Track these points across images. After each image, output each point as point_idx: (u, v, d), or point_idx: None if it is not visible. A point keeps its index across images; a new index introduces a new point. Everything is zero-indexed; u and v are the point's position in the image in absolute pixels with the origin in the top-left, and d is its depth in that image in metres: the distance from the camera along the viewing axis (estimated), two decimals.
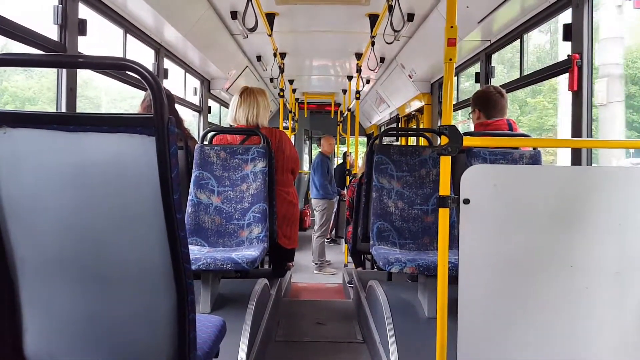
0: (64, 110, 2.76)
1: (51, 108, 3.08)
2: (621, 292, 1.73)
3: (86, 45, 2.94)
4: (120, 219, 1.23)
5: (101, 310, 1.29)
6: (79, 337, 1.32)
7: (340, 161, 10.36)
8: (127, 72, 1.15)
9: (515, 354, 1.75)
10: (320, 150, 7.46)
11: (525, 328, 1.74)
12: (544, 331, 1.74)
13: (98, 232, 1.24)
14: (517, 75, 3.83)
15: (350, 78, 7.63)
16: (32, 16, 2.56)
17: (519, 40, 3.82)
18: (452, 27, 1.88)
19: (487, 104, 3.15)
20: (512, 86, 3.81)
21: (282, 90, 6.65)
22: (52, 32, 2.72)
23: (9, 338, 1.33)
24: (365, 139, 11.65)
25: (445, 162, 1.87)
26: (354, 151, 7.21)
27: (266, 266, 4.48)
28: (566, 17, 2.99)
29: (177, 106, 3.60)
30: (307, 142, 12.55)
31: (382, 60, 6.13)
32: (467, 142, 1.85)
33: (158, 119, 1.14)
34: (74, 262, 1.26)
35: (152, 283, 1.27)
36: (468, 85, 5.44)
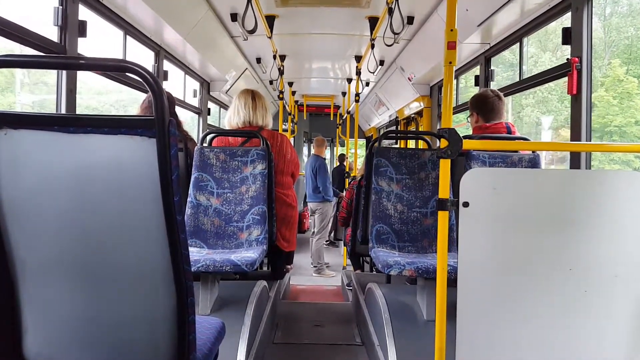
0: (63, 111, 2.76)
1: None
2: (620, 295, 1.73)
3: (86, 47, 2.95)
4: (120, 221, 1.23)
5: (101, 312, 1.29)
6: (78, 339, 1.32)
7: (337, 163, 10.38)
8: (128, 74, 1.15)
9: (514, 357, 1.75)
10: (314, 152, 7.37)
11: (524, 331, 1.74)
12: (543, 335, 1.74)
13: (98, 234, 1.24)
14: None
15: (349, 80, 7.64)
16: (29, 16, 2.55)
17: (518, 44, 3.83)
18: (452, 30, 1.89)
19: (485, 107, 3.15)
20: (512, 89, 3.82)
21: (281, 92, 6.65)
22: (52, 33, 2.73)
23: (8, 339, 1.33)
24: (364, 141, 11.66)
25: (445, 165, 1.88)
26: (354, 154, 7.21)
27: (265, 268, 4.48)
28: (566, 21, 3.01)
29: (176, 108, 3.60)
30: (306, 144, 12.57)
31: (382, 62, 6.14)
32: (467, 145, 1.86)
33: (159, 121, 1.14)
34: (74, 264, 1.26)
35: (152, 285, 1.27)
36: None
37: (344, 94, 8.68)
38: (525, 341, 1.74)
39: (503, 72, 5.72)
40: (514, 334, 1.74)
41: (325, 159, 7.37)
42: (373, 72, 5.76)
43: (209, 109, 6.01)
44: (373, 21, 4.65)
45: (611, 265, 1.73)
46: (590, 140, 2.81)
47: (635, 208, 1.73)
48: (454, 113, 4.57)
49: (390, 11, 3.80)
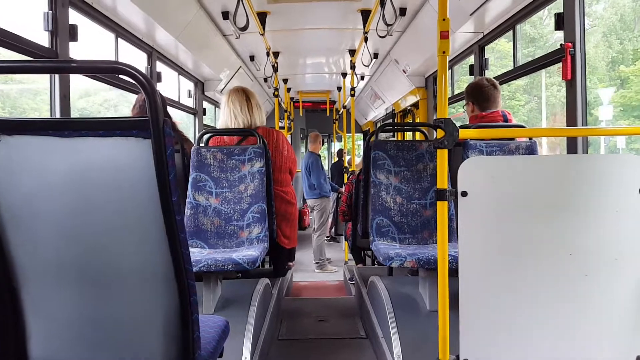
0: (58, 116, 2.75)
1: None
2: (620, 278, 1.74)
3: (77, 51, 2.93)
4: (119, 222, 1.23)
5: (104, 314, 1.29)
6: (83, 341, 1.32)
7: (336, 159, 10.37)
8: (121, 75, 1.15)
9: (517, 343, 1.76)
10: (309, 149, 7.36)
11: (526, 317, 1.75)
12: (545, 320, 1.75)
13: (98, 236, 1.24)
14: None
15: (344, 75, 7.62)
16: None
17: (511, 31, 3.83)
18: (444, 19, 1.88)
19: (480, 96, 3.16)
20: (506, 77, 3.82)
21: (276, 89, 6.64)
22: (43, 38, 2.71)
23: (13, 345, 1.33)
24: (361, 135, 11.65)
25: (442, 155, 1.88)
26: (351, 148, 7.20)
27: (267, 266, 4.48)
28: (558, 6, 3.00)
29: (170, 109, 3.59)
30: (303, 141, 12.55)
31: (376, 56, 6.13)
32: (463, 134, 1.86)
33: (153, 122, 1.14)
34: (75, 267, 1.26)
35: (154, 285, 1.27)
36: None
37: (339, 88, 8.67)
38: (527, 327, 1.75)
39: (523, 49, 5.60)
40: (516, 321, 1.75)
41: (319, 155, 7.35)
42: (367, 66, 5.74)
43: (204, 109, 5.99)
44: (365, 14, 4.63)
45: (611, 249, 1.73)
46: (586, 125, 2.81)
47: (632, 190, 1.74)
48: (449, 104, 4.57)
49: (382, 3, 3.79)
